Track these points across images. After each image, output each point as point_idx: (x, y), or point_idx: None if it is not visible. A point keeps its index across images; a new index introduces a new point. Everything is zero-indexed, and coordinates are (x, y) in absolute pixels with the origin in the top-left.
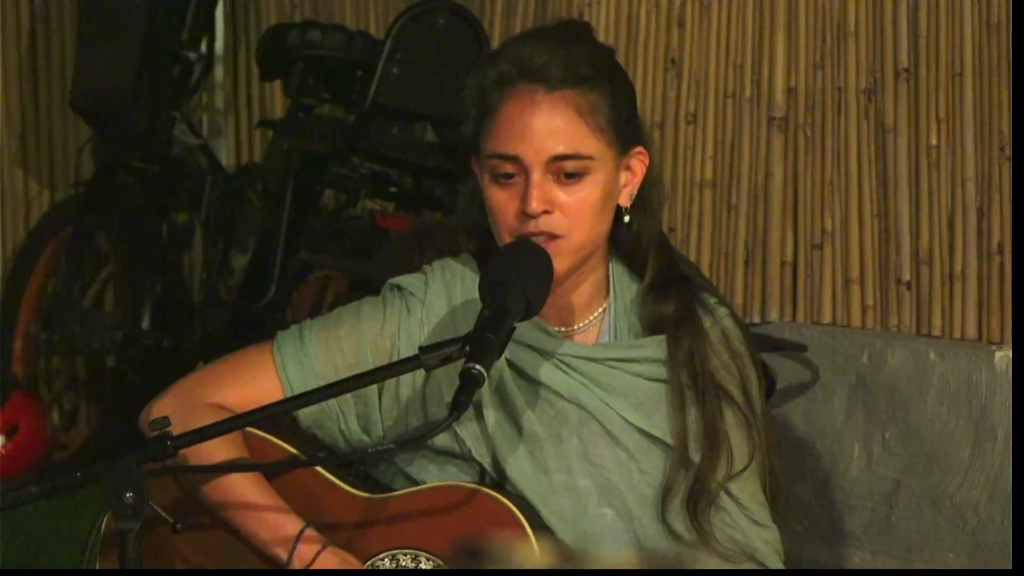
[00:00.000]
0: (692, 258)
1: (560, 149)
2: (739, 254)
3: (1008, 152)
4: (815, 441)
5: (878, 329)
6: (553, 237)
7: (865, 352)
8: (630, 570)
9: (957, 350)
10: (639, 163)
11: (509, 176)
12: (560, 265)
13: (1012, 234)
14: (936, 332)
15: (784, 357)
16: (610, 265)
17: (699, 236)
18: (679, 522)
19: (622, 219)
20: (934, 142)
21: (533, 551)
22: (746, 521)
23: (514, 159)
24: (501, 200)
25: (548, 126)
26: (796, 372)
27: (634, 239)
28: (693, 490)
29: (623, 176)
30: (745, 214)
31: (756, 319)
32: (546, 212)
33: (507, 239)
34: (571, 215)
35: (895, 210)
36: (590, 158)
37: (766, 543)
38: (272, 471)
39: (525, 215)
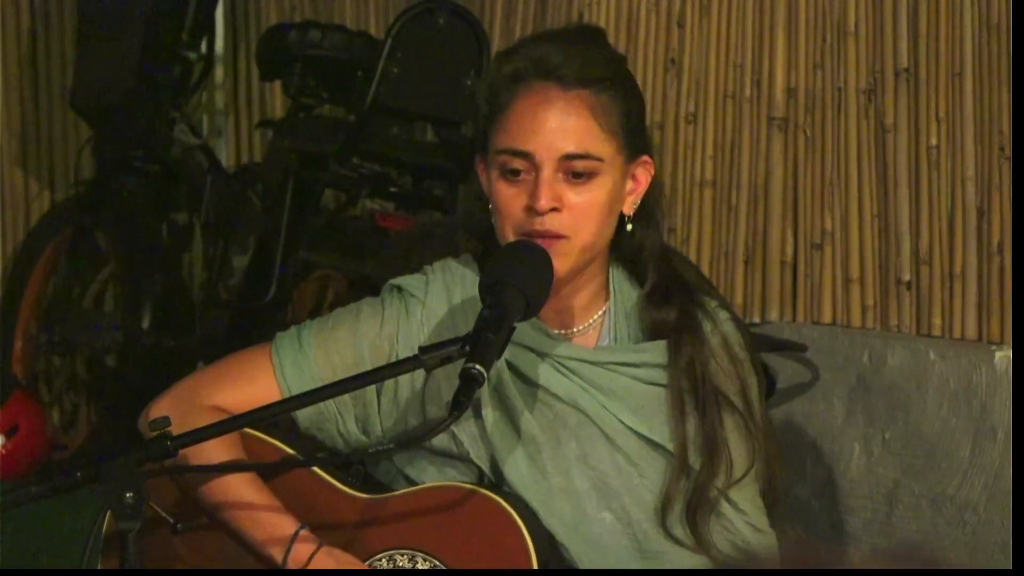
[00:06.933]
0: (692, 258)
1: (571, 148)
2: (739, 254)
3: (1008, 152)
4: (815, 441)
5: (878, 329)
6: (558, 237)
7: (865, 352)
8: (630, 570)
9: (957, 350)
10: (644, 172)
11: (518, 172)
12: (562, 266)
13: (1012, 234)
14: (936, 332)
15: (784, 357)
16: (610, 270)
17: (699, 236)
18: (678, 528)
19: (624, 226)
20: (934, 142)
21: (528, 550)
22: (746, 527)
23: (525, 155)
24: (508, 196)
25: (561, 124)
26: (796, 372)
27: (636, 248)
28: (693, 499)
29: (628, 183)
30: (745, 214)
31: (756, 319)
32: (554, 210)
33: (511, 236)
34: (578, 215)
35: (895, 210)
36: (600, 159)
37: (765, 549)
38: (271, 472)
39: (533, 212)
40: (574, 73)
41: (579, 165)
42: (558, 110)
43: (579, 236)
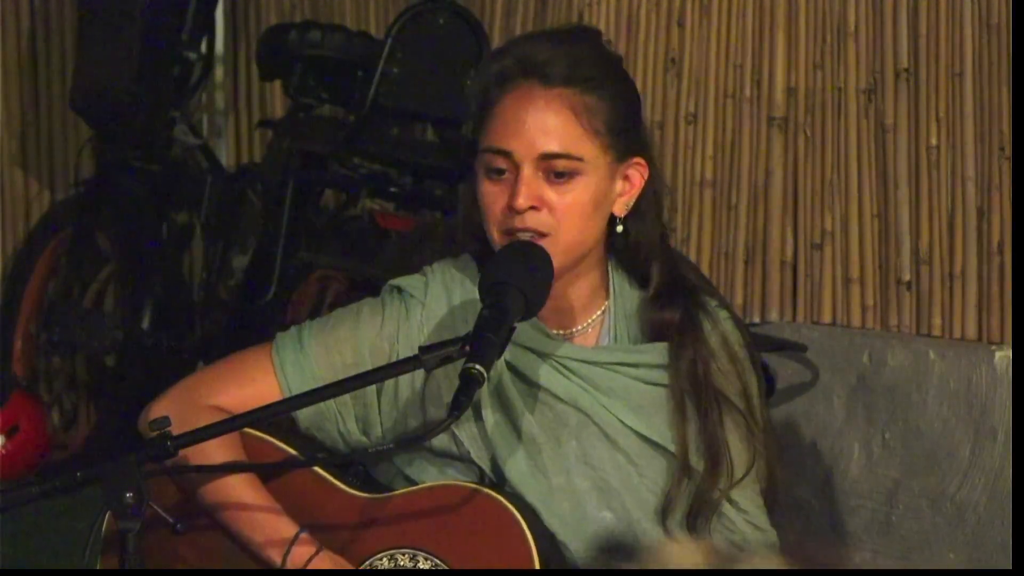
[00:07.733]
0: (692, 258)
1: (551, 147)
2: (739, 254)
3: (1008, 152)
4: (815, 441)
5: (878, 329)
6: (540, 235)
7: (865, 352)
8: (630, 570)
9: (957, 350)
10: (637, 174)
11: (501, 171)
12: None
13: (1012, 234)
14: (936, 332)
15: (784, 357)
16: (609, 269)
17: (699, 236)
18: (679, 528)
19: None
20: (934, 142)
21: (530, 550)
22: (747, 526)
23: (505, 154)
24: (491, 195)
25: (541, 123)
26: (796, 372)
27: (632, 249)
28: (695, 503)
29: (619, 185)
30: (745, 214)
31: (756, 319)
32: (533, 208)
33: (496, 235)
34: (558, 215)
35: (895, 210)
36: (580, 159)
37: (767, 547)
38: (272, 472)
39: (512, 210)
40: (559, 72)
41: (559, 164)
42: (538, 109)
43: (561, 235)
